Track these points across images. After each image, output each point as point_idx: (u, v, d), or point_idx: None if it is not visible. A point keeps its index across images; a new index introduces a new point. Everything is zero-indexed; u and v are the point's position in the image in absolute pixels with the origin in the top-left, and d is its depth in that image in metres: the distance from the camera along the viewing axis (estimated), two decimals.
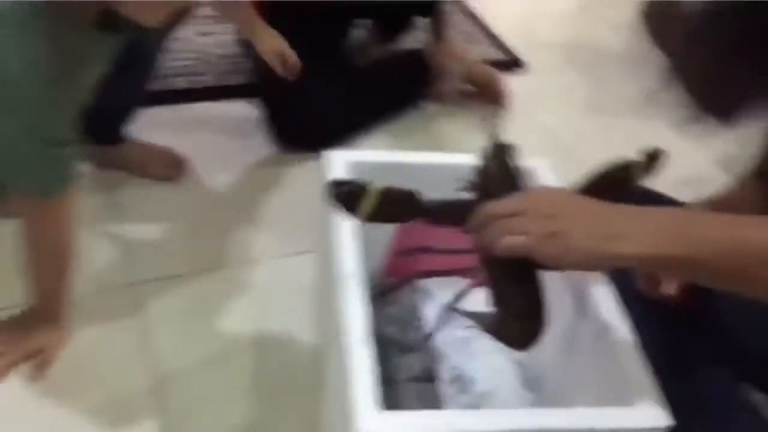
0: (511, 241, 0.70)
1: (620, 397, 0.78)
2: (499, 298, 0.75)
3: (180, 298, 1.21)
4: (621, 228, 0.68)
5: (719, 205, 1.03)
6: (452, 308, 0.83)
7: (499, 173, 0.78)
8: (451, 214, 0.76)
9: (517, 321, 0.74)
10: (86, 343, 1.10)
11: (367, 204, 0.73)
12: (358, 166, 0.97)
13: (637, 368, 0.80)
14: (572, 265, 0.71)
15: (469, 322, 0.82)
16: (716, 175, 1.60)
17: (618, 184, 0.79)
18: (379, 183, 0.74)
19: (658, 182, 1.52)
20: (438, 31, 1.73)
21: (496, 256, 0.71)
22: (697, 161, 1.65)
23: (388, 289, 0.83)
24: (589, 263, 0.69)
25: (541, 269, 0.74)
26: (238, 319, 1.19)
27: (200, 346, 1.14)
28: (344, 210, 0.74)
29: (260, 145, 1.55)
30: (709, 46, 0.90)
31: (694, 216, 0.71)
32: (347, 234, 0.88)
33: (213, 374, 1.10)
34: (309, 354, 1.14)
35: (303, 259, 1.28)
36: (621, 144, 1.64)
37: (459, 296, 0.82)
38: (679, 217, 0.71)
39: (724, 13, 0.89)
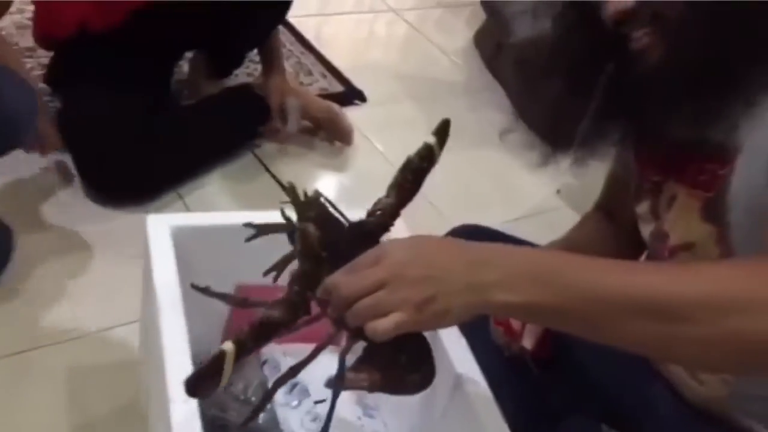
0: (385, 325, 0.63)
1: None
2: (385, 360, 0.71)
3: None
4: (493, 275, 0.64)
5: (568, 244, 1.01)
6: (338, 385, 0.73)
7: (322, 235, 0.71)
8: (303, 307, 0.69)
9: (414, 372, 0.72)
10: None
11: (228, 371, 0.64)
12: (180, 231, 0.86)
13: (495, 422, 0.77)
14: (451, 325, 0.68)
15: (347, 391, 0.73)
16: (557, 206, 1.62)
17: (423, 169, 0.77)
18: (229, 345, 0.64)
19: (506, 215, 1.52)
20: (270, 63, 1.62)
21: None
22: (541, 192, 1.66)
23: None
24: (466, 318, 0.66)
25: None
26: (50, 410, 1.01)
27: None
28: (208, 393, 0.66)
29: (71, 199, 1.36)
30: (546, 80, 0.88)
31: (564, 261, 0.68)
32: (172, 317, 0.76)
33: None
34: None
35: (129, 330, 1.12)
36: (466, 174, 1.64)
37: (339, 372, 0.72)
38: (549, 262, 0.67)
39: (559, 45, 0.86)
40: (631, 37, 0.74)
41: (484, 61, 2.10)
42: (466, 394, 0.80)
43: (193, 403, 0.68)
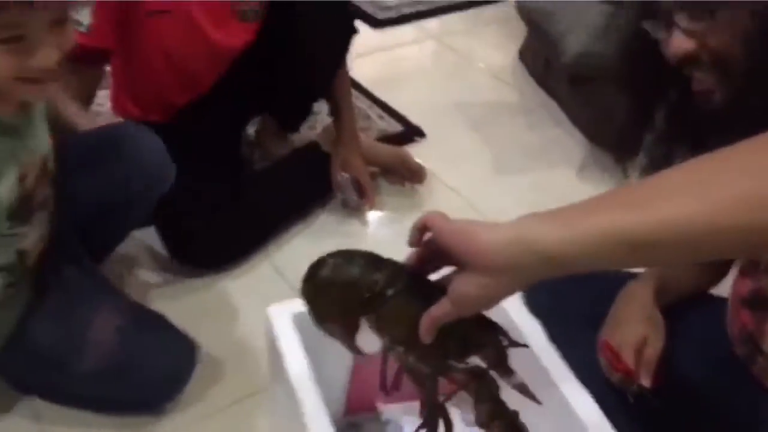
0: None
1: None
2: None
3: None
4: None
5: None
6: None
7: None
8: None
9: None
10: None
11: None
12: (303, 317, 0.91)
13: None
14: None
15: None
16: None
17: None
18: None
19: None
20: (340, 131, 1.62)
21: None
22: None
23: None
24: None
25: None
26: None
27: None
28: None
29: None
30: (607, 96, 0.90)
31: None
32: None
33: None
34: None
35: (250, 403, 1.19)
36: (531, 197, 1.65)
37: None
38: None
39: (623, 71, 0.89)
40: (694, 76, 0.77)
41: (534, 77, 2.12)
42: None
43: None
